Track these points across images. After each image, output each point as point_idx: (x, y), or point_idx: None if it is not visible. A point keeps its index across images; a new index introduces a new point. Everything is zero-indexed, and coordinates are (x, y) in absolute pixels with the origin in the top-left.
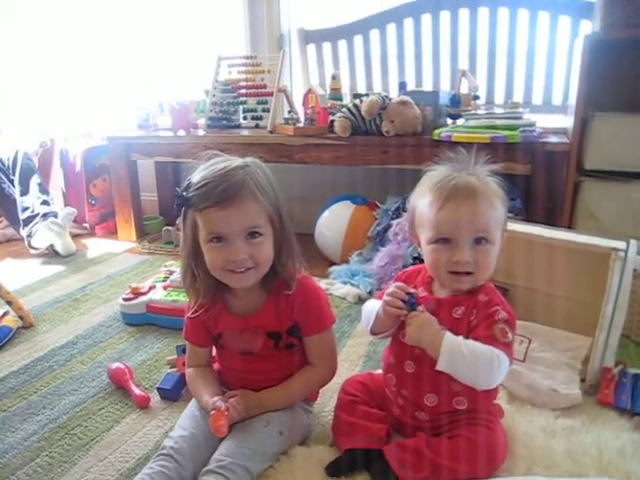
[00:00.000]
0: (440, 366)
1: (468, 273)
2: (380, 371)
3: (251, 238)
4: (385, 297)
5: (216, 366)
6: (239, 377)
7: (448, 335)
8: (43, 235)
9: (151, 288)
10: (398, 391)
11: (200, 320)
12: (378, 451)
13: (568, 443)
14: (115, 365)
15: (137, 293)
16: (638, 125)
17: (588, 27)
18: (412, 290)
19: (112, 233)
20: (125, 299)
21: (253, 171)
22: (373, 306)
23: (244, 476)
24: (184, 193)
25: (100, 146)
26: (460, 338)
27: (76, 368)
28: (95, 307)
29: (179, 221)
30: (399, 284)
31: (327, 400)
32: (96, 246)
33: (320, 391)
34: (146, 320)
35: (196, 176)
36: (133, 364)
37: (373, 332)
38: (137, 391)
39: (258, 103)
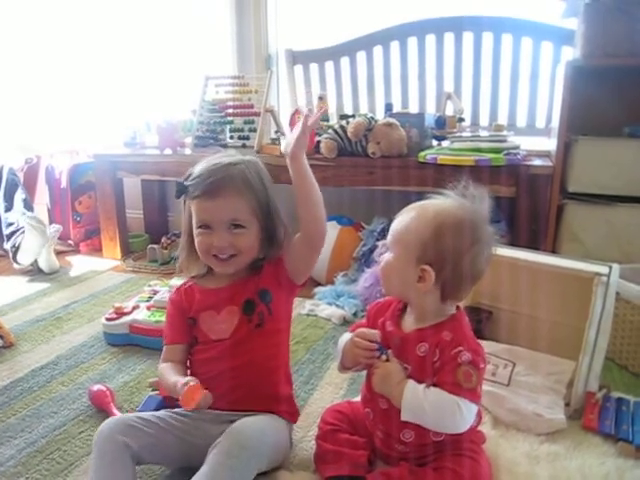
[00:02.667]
0: (404, 417)
1: None
2: (359, 398)
3: (234, 229)
4: (354, 339)
5: None
6: (213, 382)
7: (409, 387)
8: (28, 239)
9: (134, 308)
10: (376, 425)
11: (177, 309)
12: (361, 478)
13: (553, 469)
14: (96, 387)
15: (120, 313)
16: (620, 149)
17: (570, 53)
18: (376, 335)
19: (97, 250)
20: (108, 319)
21: (244, 168)
22: (343, 341)
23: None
24: (184, 182)
25: (86, 163)
26: (421, 389)
27: (56, 389)
28: (78, 326)
29: (164, 239)
30: (366, 332)
31: (310, 425)
32: (80, 263)
33: (302, 415)
34: (129, 341)
35: (196, 168)
36: (115, 386)
37: (344, 367)
38: (118, 414)
39: (245, 123)
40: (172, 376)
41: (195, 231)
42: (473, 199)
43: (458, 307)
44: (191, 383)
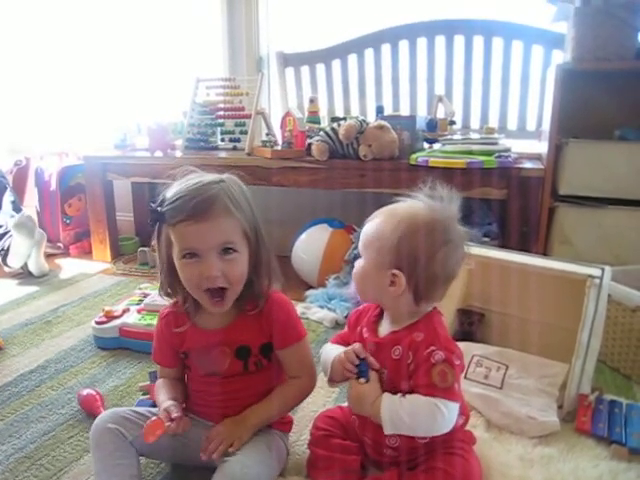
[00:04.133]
0: (387, 432)
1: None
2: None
3: (225, 254)
4: (342, 355)
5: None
6: (206, 400)
7: (385, 403)
8: (16, 241)
9: (125, 311)
10: (363, 432)
11: (166, 341)
12: None
13: (546, 472)
14: (86, 391)
15: (110, 316)
16: (610, 152)
17: (560, 57)
18: (364, 355)
19: (87, 253)
20: (98, 322)
21: (228, 186)
22: (329, 354)
23: None
24: (158, 208)
25: (76, 165)
26: (397, 401)
27: (45, 394)
28: (67, 330)
29: (154, 242)
30: (356, 347)
31: (302, 429)
32: (70, 266)
33: (294, 420)
34: (119, 344)
35: (170, 191)
36: (105, 390)
37: (332, 381)
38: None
39: (236, 125)
40: (161, 395)
41: (178, 262)
42: (442, 200)
43: (435, 309)
44: (153, 418)
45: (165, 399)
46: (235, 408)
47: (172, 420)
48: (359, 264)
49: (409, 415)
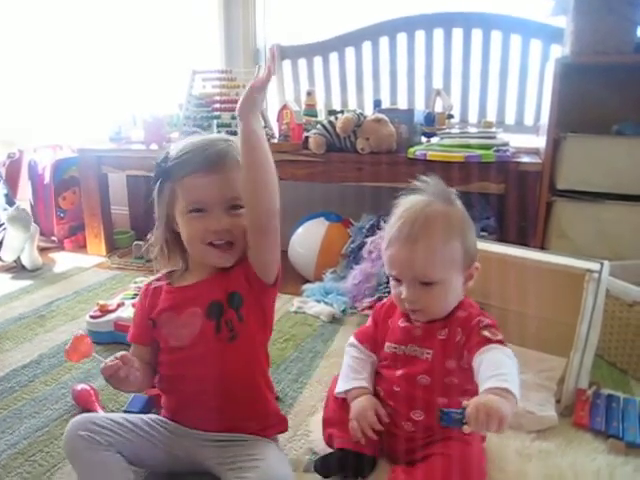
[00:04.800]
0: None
1: (416, 310)
2: None
3: (232, 210)
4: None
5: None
6: (178, 398)
7: (493, 383)
8: (10, 234)
9: (119, 305)
10: (385, 402)
11: (143, 313)
12: (372, 458)
13: (544, 467)
14: (80, 386)
15: (105, 310)
16: (608, 147)
17: (558, 51)
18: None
19: (81, 247)
20: (92, 316)
21: (236, 144)
22: (350, 377)
23: None
24: (162, 164)
25: (70, 158)
26: (486, 375)
27: (39, 389)
28: (61, 324)
29: (150, 236)
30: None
31: (299, 424)
32: (64, 260)
33: (292, 414)
34: (114, 339)
35: (175, 148)
36: (99, 385)
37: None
38: (103, 414)
39: (232, 118)
40: None
41: (184, 218)
42: (429, 185)
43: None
44: (79, 332)
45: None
46: (221, 398)
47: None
48: (433, 290)
49: (505, 368)
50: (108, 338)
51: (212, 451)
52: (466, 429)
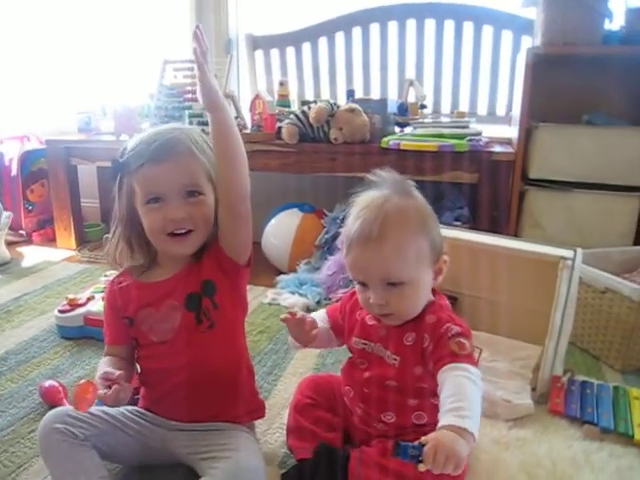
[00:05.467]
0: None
1: (388, 314)
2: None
3: (190, 197)
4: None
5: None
6: (162, 386)
7: (454, 421)
8: None
9: (89, 299)
10: (355, 403)
11: (114, 311)
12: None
13: (522, 455)
14: (48, 383)
15: (74, 304)
16: (578, 136)
17: (529, 43)
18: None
19: (51, 240)
20: (61, 311)
21: (190, 131)
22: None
23: None
24: (119, 159)
25: (38, 149)
26: (447, 408)
27: (5, 387)
28: (29, 319)
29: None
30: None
31: (274, 417)
32: (33, 254)
33: (266, 407)
34: (83, 333)
35: (132, 141)
36: (68, 381)
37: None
38: None
39: (204, 108)
40: (103, 367)
41: (142, 209)
42: (384, 180)
43: (435, 291)
44: (82, 381)
45: (106, 368)
46: (202, 389)
47: (110, 387)
48: (404, 292)
49: (469, 398)
50: (77, 333)
51: (187, 441)
52: (421, 467)
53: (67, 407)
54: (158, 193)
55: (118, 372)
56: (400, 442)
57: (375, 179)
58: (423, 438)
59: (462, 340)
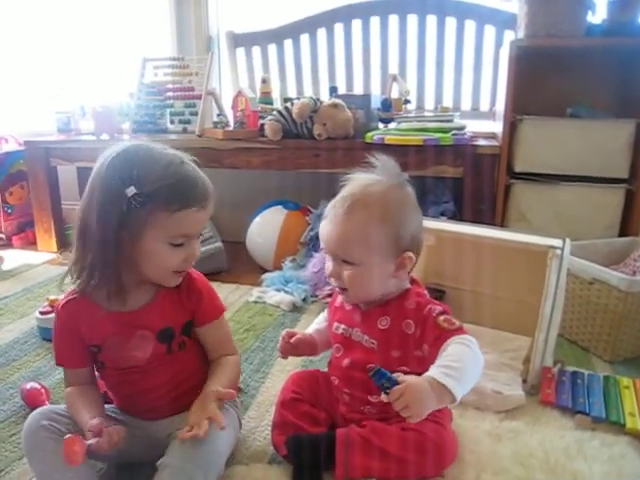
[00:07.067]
0: (459, 397)
1: (343, 289)
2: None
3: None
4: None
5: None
6: (129, 401)
7: (440, 377)
8: None
9: None
10: (341, 390)
11: (72, 335)
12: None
13: (514, 446)
14: (30, 385)
15: (55, 306)
16: (563, 129)
17: (512, 37)
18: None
19: (31, 244)
20: (42, 312)
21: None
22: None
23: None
24: (136, 189)
25: (16, 151)
26: (442, 364)
27: None
28: (9, 322)
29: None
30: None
31: (263, 414)
32: (13, 257)
33: (255, 404)
34: None
35: (147, 171)
36: (50, 383)
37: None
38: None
39: (186, 106)
40: (81, 413)
41: (162, 247)
42: (381, 168)
43: (413, 279)
44: (67, 436)
45: (88, 417)
46: (163, 396)
47: (99, 435)
48: (354, 271)
49: (459, 362)
50: None
51: (166, 424)
52: (383, 397)
53: (52, 406)
54: (189, 235)
55: (97, 420)
56: (381, 369)
57: (375, 163)
58: (401, 377)
59: (448, 317)
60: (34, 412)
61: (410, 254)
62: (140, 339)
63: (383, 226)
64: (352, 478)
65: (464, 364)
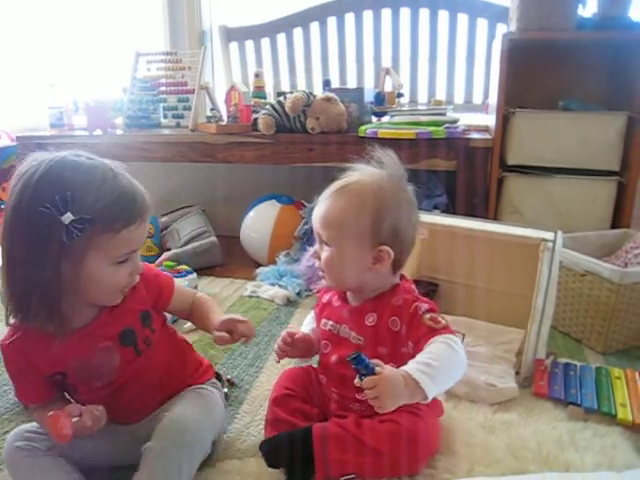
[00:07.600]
0: (431, 395)
1: (322, 272)
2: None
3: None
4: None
5: None
6: (111, 413)
7: (414, 373)
8: None
9: None
10: (330, 389)
11: (30, 370)
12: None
13: (507, 438)
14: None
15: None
16: (555, 122)
17: (504, 31)
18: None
19: None
20: None
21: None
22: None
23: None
24: (81, 214)
25: (9, 146)
26: (420, 361)
27: None
28: (2, 319)
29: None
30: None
31: (257, 409)
32: None
33: (249, 399)
34: None
35: (83, 191)
36: None
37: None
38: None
39: (179, 101)
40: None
41: (108, 268)
42: (383, 163)
43: (402, 275)
44: (49, 414)
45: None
46: (143, 400)
47: (80, 415)
48: (329, 253)
49: (437, 361)
50: None
51: (149, 422)
52: (357, 382)
53: (24, 425)
54: (132, 253)
55: (73, 405)
56: (361, 354)
57: (383, 158)
58: (378, 368)
59: (434, 315)
60: (9, 435)
61: (387, 249)
62: (103, 353)
63: (360, 214)
64: (332, 477)
65: (442, 363)
